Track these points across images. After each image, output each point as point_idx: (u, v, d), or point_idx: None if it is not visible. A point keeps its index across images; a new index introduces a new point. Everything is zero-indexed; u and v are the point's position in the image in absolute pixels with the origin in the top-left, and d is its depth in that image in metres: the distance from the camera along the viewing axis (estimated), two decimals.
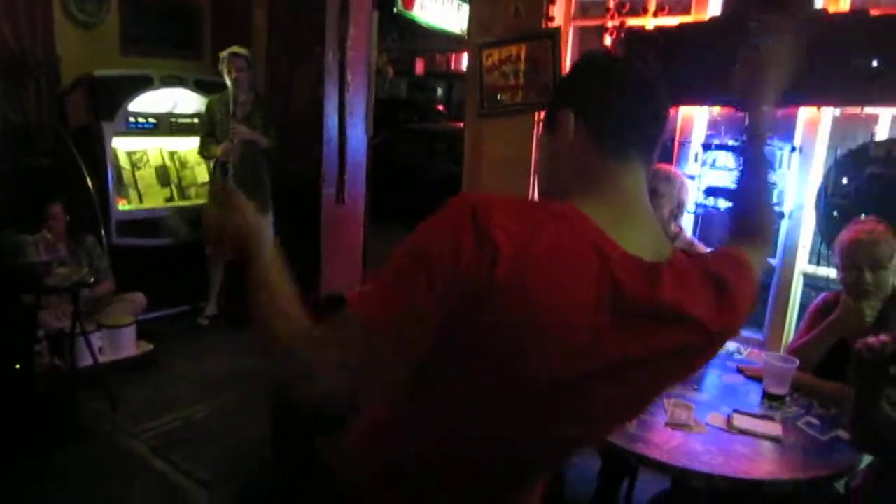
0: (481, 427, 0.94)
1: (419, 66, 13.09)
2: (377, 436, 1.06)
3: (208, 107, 4.31)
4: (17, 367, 3.17)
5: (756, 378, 2.16)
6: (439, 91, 12.26)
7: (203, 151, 4.38)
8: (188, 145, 4.81)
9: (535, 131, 3.65)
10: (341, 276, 4.45)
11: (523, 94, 3.59)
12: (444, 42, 10.14)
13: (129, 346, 3.78)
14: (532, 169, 3.65)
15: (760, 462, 1.69)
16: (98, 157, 4.20)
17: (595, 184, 0.94)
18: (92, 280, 3.34)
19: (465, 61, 8.38)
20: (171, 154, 4.78)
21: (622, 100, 0.95)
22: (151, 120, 4.50)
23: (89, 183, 4.08)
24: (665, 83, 1.00)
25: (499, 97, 3.69)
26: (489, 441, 0.96)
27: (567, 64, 3.49)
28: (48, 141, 4.50)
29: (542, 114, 3.58)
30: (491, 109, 3.67)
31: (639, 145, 0.96)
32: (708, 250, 2.59)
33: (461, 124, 4.92)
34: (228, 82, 4.15)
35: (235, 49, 4.19)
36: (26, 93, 4.46)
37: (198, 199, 4.75)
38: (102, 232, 4.06)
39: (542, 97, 3.51)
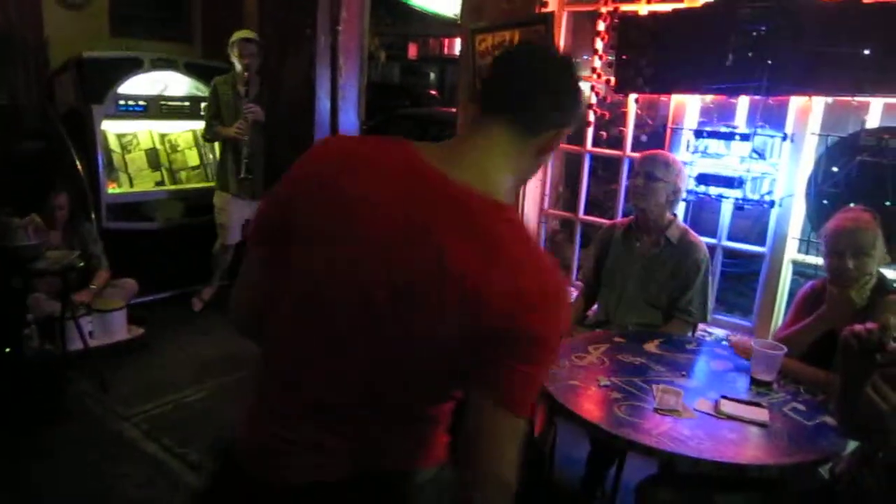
0: None
1: (412, 51, 12.99)
2: None
3: (214, 88, 4.27)
4: (6, 350, 3.17)
5: (745, 356, 2.19)
6: (432, 76, 12.18)
7: (207, 134, 4.34)
8: (178, 128, 4.78)
9: None
10: None
11: None
12: (438, 26, 10.08)
13: (120, 330, 3.78)
14: None
15: (747, 447, 1.72)
16: (88, 140, 4.18)
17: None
18: (81, 264, 3.32)
19: (458, 46, 8.34)
20: (162, 137, 4.74)
21: (500, 69, 1.12)
22: (141, 103, 4.47)
23: (79, 167, 4.05)
24: (565, 65, 1.13)
25: None
26: None
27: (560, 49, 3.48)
28: (37, 123, 4.46)
29: None
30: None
31: (505, 104, 1.08)
32: (700, 239, 2.62)
33: (454, 109, 4.91)
34: (238, 66, 4.13)
35: (246, 34, 4.16)
36: (14, 74, 4.41)
37: (188, 183, 4.73)
38: (93, 216, 4.04)
39: None
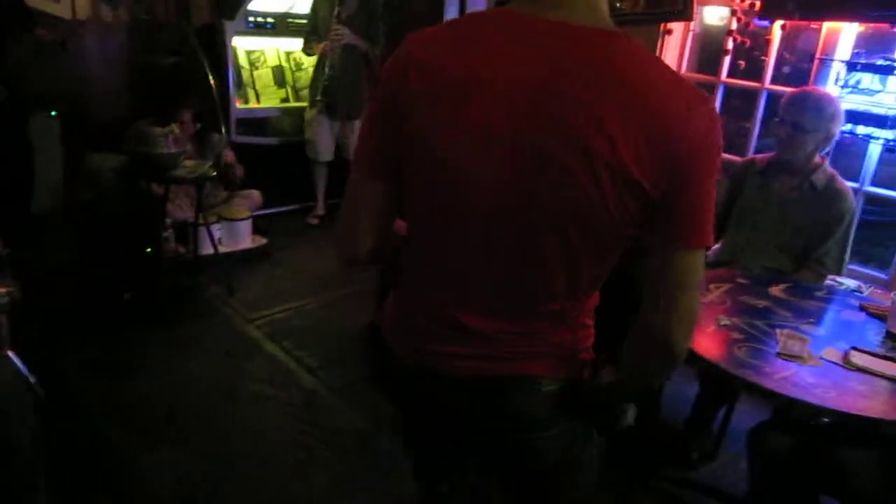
0: None
1: None
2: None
3: (313, 5, 4.32)
4: (148, 250, 3.44)
5: (880, 317, 2.05)
6: None
7: (305, 49, 4.44)
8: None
9: (659, 43, 3.46)
10: None
11: (645, 4, 3.39)
12: None
13: (245, 238, 4.02)
14: None
15: (878, 401, 1.63)
16: (220, 55, 4.34)
17: None
18: (214, 174, 3.51)
19: None
20: (287, 55, 4.86)
21: None
22: (270, 20, 4.57)
23: (212, 82, 4.24)
24: None
25: (618, 4, 3.50)
26: None
27: None
28: (173, 39, 4.67)
29: (666, 26, 3.40)
30: (614, 19, 3.49)
31: None
32: (848, 187, 2.40)
33: None
34: None
35: None
36: None
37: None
38: (223, 129, 4.24)
39: (668, 7, 3.30)
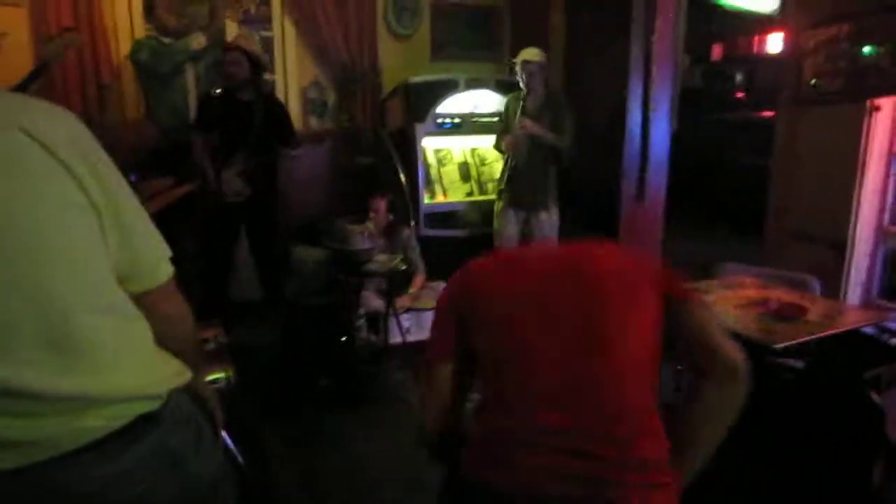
0: None
1: (716, 52, 12.19)
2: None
3: (506, 104, 4.53)
4: (343, 338, 3.67)
5: None
6: (738, 77, 11.29)
7: (497, 145, 4.62)
8: (487, 143, 5.09)
9: (865, 122, 3.20)
10: None
11: (845, 80, 3.16)
12: (745, 24, 9.30)
13: None
14: (858, 162, 3.21)
15: None
16: (411, 155, 4.66)
17: None
18: (404, 268, 3.71)
19: (771, 43, 7.63)
20: (472, 151, 5.10)
21: None
22: (456, 120, 4.85)
23: (403, 178, 4.55)
24: None
25: (814, 83, 3.29)
26: None
27: None
28: (370, 142, 5.12)
29: (873, 102, 3.14)
30: (811, 97, 3.29)
31: None
32: None
33: (765, 113, 4.51)
34: (522, 84, 4.31)
35: (525, 56, 4.30)
36: (354, 101, 5.12)
37: (494, 195, 5.01)
38: (412, 223, 4.50)
39: (874, 81, 3.05)
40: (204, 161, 3.92)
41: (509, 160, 4.37)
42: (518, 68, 4.30)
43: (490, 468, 1.28)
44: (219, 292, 4.15)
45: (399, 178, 4.56)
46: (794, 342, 2.30)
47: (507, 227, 4.49)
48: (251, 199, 3.96)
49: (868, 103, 3.18)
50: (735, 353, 1.28)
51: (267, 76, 4.62)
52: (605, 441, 1.19)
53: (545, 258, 1.45)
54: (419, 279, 4.22)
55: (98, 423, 1.04)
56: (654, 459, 1.21)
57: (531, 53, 4.31)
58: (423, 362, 1.45)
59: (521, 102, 4.28)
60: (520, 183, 4.38)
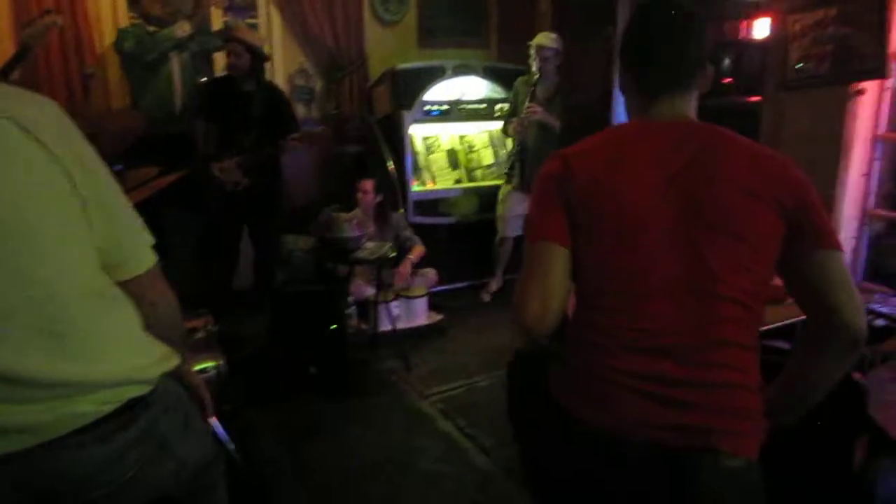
0: None
1: None
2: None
3: (515, 87, 4.52)
4: (333, 326, 3.67)
5: None
6: (726, 62, 11.32)
7: (504, 129, 4.63)
8: (475, 129, 5.09)
9: (848, 105, 3.22)
10: None
11: (830, 64, 3.18)
12: (734, 8, 9.30)
13: (422, 315, 4.17)
14: (843, 146, 3.23)
15: None
16: (398, 143, 4.65)
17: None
18: (394, 254, 3.71)
19: (758, 28, 7.62)
20: (460, 138, 5.10)
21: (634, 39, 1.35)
22: (444, 107, 4.84)
23: (391, 166, 4.54)
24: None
25: (801, 66, 3.31)
26: None
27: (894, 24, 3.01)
28: (357, 130, 5.10)
29: (857, 85, 3.16)
30: (797, 82, 3.31)
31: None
32: None
33: (752, 98, 4.53)
34: (534, 68, 4.30)
35: (540, 41, 4.29)
36: (341, 88, 5.10)
37: (483, 181, 5.02)
38: (402, 210, 4.50)
39: (858, 65, 3.07)
40: (209, 149, 3.90)
41: (516, 145, 4.37)
42: (532, 51, 4.28)
43: (582, 404, 1.24)
44: (224, 283, 4.15)
45: (387, 166, 4.55)
46: (779, 324, 2.34)
47: (514, 209, 4.49)
48: (255, 190, 3.94)
49: (852, 87, 3.20)
50: (858, 318, 1.16)
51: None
52: (696, 379, 1.17)
53: (665, 148, 1.24)
54: (418, 249, 4.21)
55: (89, 409, 1.05)
56: (743, 407, 1.19)
57: (546, 38, 4.28)
58: (527, 247, 1.28)
59: (533, 87, 4.28)
60: (528, 167, 4.38)
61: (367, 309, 3.96)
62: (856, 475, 1.91)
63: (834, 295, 1.16)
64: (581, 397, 1.25)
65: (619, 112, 4.11)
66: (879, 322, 3.18)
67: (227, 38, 3.91)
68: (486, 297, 4.75)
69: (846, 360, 1.20)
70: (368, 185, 4.10)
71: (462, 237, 4.75)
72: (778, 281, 1.25)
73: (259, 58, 3.91)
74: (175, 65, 4.42)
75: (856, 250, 3.48)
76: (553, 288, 1.23)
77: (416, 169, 4.84)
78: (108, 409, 1.07)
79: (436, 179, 4.93)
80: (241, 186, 3.89)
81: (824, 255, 1.18)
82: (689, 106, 1.32)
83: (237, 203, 3.94)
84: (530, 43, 4.30)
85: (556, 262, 1.24)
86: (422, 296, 4.17)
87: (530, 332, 1.25)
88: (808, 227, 1.19)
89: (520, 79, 4.47)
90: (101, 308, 1.09)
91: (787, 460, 1.54)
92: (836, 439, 1.70)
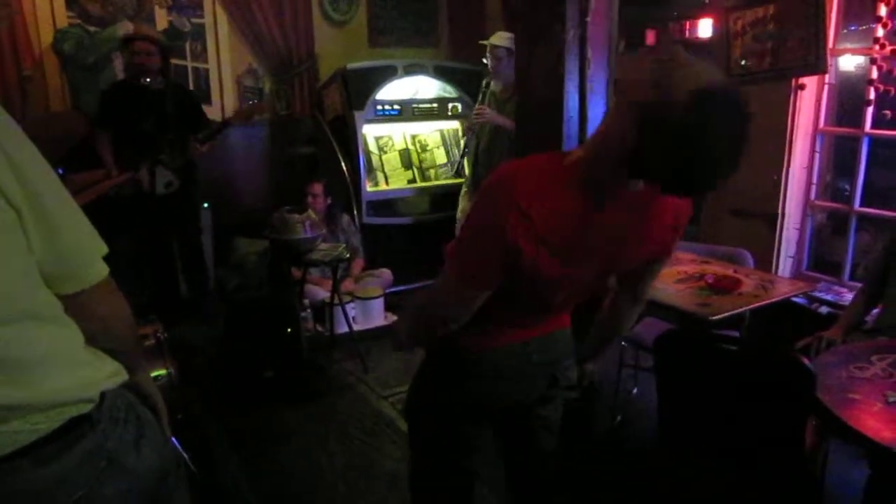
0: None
1: (650, 37, 12.46)
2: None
3: (482, 87, 4.48)
4: (289, 329, 3.62)
5: None
6: None
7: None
8: (427, 129, 5.08)
9: (791, 99, 3.32)
10: None
11: (772, 60, 3.27)
12: (680, 8, 9.53)
13: (378, 316, 4.14)
14: (786, 139, 3.33)
15: None
16: (351, 143, 4.60)
17: None
18: (348, 255, 3.68)
19: (702, 28, 7.80)
20: (413, 138, 5.08)
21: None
22: (396, 107, 4.81)
23: (344, 167, 4.50)
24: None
25: (744, 63, 3.40)
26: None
27: (832, 20, 3.11)
28: (309, 130, 5.04)
29: (798, 80, 3.26)
30: (741, 78, 3.40)
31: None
32: None
33: None
34: (490, 68, 4.28)
35: (493, 40, 4.22)
36: (291, 89, 5.03)
37: (436, 180, 5.01)
38: (355, 212, 4.46)
39: (798, 60, 3.17)
40: (109, 157, 3.77)
41: (465, 146, 4.36)
42: (487, 52, 4.27)
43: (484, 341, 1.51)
44: (171, 288, 4.05)
45: (340, 167, 4.51)
46: (729, 313, 2.39)
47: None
48: (175, 191, 3.87)
49: (793, 82, 3.30)
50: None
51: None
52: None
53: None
54: (359, 263, 4.20)
55: (24, 428, 0.99)
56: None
57: (499, 38, 4.22)
58: (456, 277, 1.46)
59: (485, 90, 4.26)
60: (481, 168, 4.37)
61: (322, 311, 3.92)
62: (805, 458, 1.96)
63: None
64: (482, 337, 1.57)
65: (572, 103, 4.16)
66: (823, 310, 3.30)
67: (134, 38, 3.81)
68: None
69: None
70: (318, 188, 4.06)
71: (417, 237, 4.73)
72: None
73: (167, 55, 3.87)
74: (118, 66, 4.30)
75: (800, 241, 3.60)
76: (469, 314, 1.43)
77: (370, 169, 4.80)
78: (44, 428, 1.01)
79: (389, 180, 4.90)
80: (173, 188, 3.81)
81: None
82: None
83: (163, 206, 3.88)
84: (483, 42, 4.30)
85: (479, 300, 1.41)
86: (378, 297, 4.14)
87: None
88: None
89: (486, 78, 4.44)
90: (37, 331, 1.01)
91: (740, 444, 1.58)
92: (788, 422, 1.74)
